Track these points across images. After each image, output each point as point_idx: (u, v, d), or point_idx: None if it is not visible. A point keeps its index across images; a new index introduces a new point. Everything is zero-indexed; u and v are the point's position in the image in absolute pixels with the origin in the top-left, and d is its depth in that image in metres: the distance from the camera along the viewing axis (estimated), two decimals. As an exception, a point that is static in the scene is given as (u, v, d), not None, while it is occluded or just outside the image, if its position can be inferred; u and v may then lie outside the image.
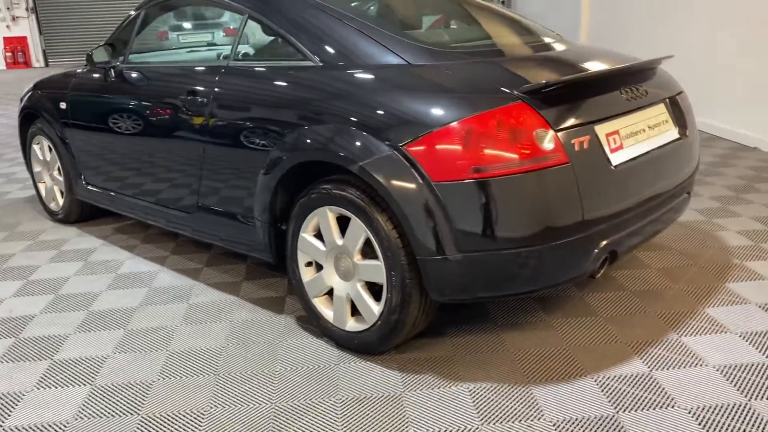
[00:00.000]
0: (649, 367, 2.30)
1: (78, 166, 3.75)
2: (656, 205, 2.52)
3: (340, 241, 2.40)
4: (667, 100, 2.69)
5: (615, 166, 2.28)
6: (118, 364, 2.47)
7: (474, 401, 2.16)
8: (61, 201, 4.07)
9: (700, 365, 2.30)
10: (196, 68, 2.96)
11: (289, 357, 2.47)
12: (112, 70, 3.39)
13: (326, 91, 2.40)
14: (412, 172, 2.11)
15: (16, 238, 3.92)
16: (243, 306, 2.90)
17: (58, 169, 4.00)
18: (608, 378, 2.25)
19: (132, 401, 2.24)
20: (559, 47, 2.81)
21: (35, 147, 4.14)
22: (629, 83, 2.48)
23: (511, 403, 2.15)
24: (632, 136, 2.42)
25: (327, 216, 2.41)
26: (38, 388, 2.34)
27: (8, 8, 16.47)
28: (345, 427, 2.06)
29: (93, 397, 2.27)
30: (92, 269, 3.39)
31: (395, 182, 2.14)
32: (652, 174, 2.47)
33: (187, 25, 4.40)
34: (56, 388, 2.34)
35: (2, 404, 2.25)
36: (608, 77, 2.39)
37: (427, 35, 2.71)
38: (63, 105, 3.71)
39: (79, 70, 3.78)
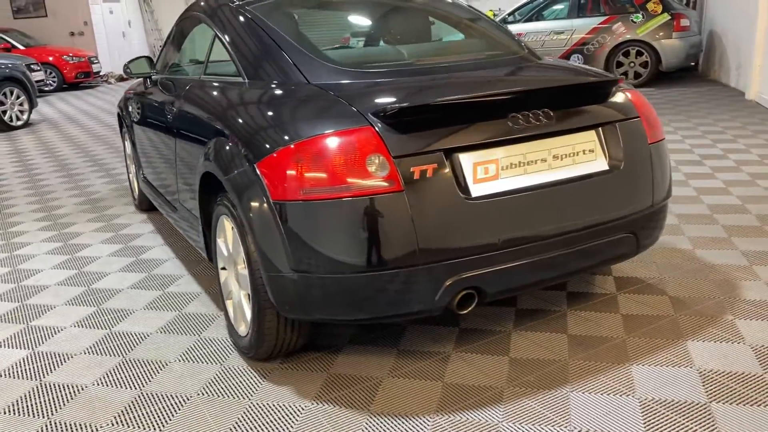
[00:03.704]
0: None
1: (138, 159, 4.31)
2: (559, 243, 2.28)
3: (231, 250, 2.54)
4: (601, 127, 2.39)
5: (475, 198, 2.12)
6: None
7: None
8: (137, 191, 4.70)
9: None
10: (183, 80, 3.28)
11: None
12: (149, 80, 3.86)
13: (231, 107, 2.54)
14: (258, 189, 2.18)
15: (101, 219, 4.61)
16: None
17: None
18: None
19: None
20: (490, 66, 2.62)
21: (126, 143, 4.81)
22: (531, 108, 2.26)
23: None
24: (519, 167, 2.22)
25: (224, 224, 2.56)
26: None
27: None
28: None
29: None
30: (124, 252, 3.89)
31: (245, 197, 2.23)
32: (551, 208, 2.24)
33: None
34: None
35: None
36: (489, 101, 2.20)
37: (344, 54, 2.72)
38: (130, 107, 4.28)
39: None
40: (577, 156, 2.33)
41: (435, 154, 2.09)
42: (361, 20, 3.21)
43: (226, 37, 2.85)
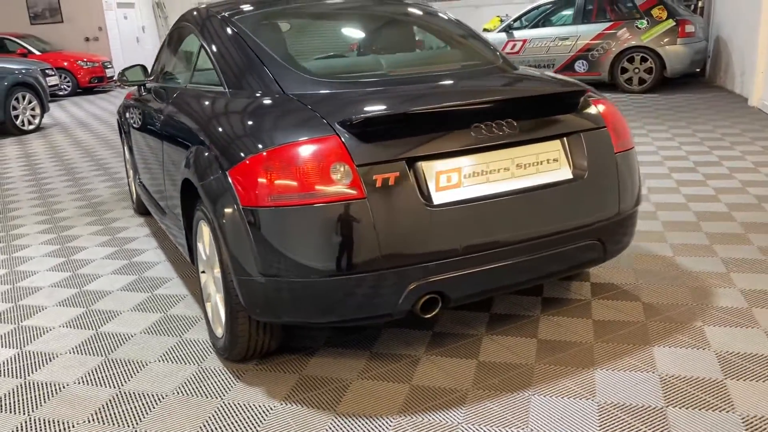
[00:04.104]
0: None
1: (135, 164, 4.41)
2: (523, 249, 2.34)
3: (209, 254, 2.62)
4: (566, 137, 2.45)
5: (437, 205, 2.19)
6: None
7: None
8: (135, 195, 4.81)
9: None
10: (171, 88, 3.37)
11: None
12: (143, 87, 3.97)
13: (209, 115, 2.63)
14: (229, 195, 2.26)
15: (100, 223, 4.72)
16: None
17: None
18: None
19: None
20: (462, 77, 2.68)
21: (125, 148, 4.92)
22: (494, 118, 2.32)
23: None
24: (482, 175, 2.29)
25: (202, 229, 2.65)
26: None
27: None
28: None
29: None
30: (118, 255, 3.99)
31: (217, 203, 2.32)
32: (513, 216, 2.30)
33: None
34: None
35: None
36: (452, 111, 2.26)
37: (320, 64, 2.80)
38: (127, 114, 4.39)
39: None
40: (540, 165, 2.39)
41: (397, 162, 2.16)
42: (342, 31, 3.28)
43: (210, 47, 2.94)
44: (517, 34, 10.46)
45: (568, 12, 10.26)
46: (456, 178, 2.25)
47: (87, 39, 17.78)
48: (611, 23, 9.73)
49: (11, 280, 3.71)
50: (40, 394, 2.50)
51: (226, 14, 3.03)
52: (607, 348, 2.57)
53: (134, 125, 4.10)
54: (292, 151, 2.15)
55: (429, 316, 2.29)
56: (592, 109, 2.56)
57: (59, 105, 13.40)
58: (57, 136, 9.24)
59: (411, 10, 3.31)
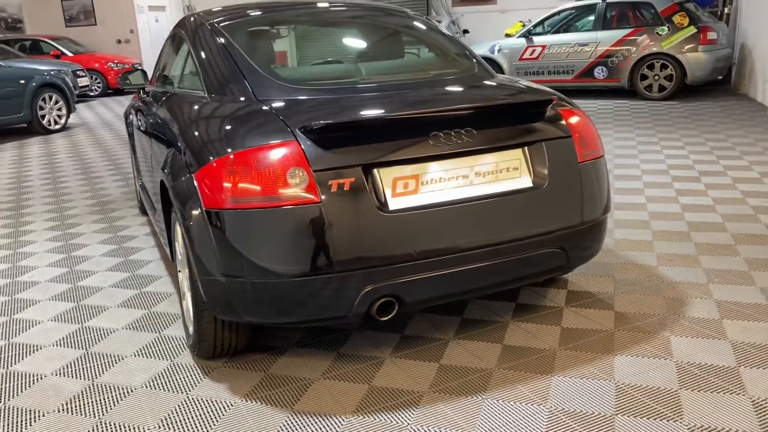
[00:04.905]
0: None
1: (138, 164, 4.55)
2: (480, 256, 2.37)
3: (183, 253, 2.71)
4: (527, 146, 2.48)
5: (392, 211, 2.24)
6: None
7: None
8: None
9: None
10: (163, 92, 3.48)
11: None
12: (142, 91, 4.10)
13: (185, 119, 2.72)
14: (194, 197, 2.35)
15: (105, 221, 4.87)
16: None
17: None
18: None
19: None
20: (432, 85, 2.72)
21: (131, 149, 5.07)
22: (454, 127, 2.36)
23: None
24: (440, 182, 2.33)
25: (177, 229, 2.74)
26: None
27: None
28: (115, 411, 2.38)
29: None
30: (116, 253, 4.12)
31: (184, 205, 2.40)
32: (471, 222, 2.34)
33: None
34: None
35: None
36: (410, 119, 2.31)
37: (293, 71, 2.87)
38: (130, 116, 4.53)
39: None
40: (500, 173, 2.42)
41: (353, 168, 2.22)
42: (324, 39, 3.35)
43: (195, 52, 3.04)
44: (536, 39, 10.43)
45: (590, 18, 10.20)
46: (413, 185, 2.30)
47: (119, 41, 18.20)
48: (632, 29, 9.64)
49: (12, 274, 3.86)
50: (17, 385, 2.61)
51: (214, 21, 3.12)
52: (569, 355, 2.59)
53: (135, 127, 4.23)
54: (252, 155, 2.23)
55: (386, 319, 2.34)
56: (558, 119, 2.58)
57: (88, 105, 13.75)
58: (81, 136, 9.51)
59: (394, 18, 3.37)
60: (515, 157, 2.45)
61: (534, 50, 10.41)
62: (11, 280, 3.77)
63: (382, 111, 2.36)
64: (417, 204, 2.29)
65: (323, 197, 2.18)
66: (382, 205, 2.25)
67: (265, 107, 2.45)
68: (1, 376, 2.68)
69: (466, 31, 15.01)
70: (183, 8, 20.45)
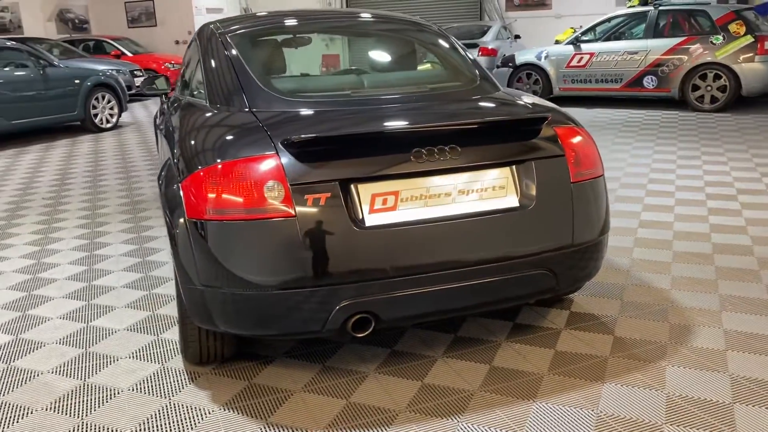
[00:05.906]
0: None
1: (162, 168, 4.66)
2: (461, 275, 2.33)
3: (177, 259, 2.76)
4: (516, 164, 2.41)
5: (369, 227, 2.22)
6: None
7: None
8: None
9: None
10: (177, 98, 3.56)
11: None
12: (165, 96, 4.20)
13: (183, 128, 2.76)
14: (180, 206, 2.38)
15: (133, 221, 5.01)
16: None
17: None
18: None
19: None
20: (426, 99, 2.68)
21: (161, 151, 5.21)
22: (437, 143, 2.32)
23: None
24: (420, 199, 2.30)
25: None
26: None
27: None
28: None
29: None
30: (135, 253, 4.23)
31: (172, 213, 2.44)
32: (451, 241, 2.29)
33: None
34: (0, 333, 3.15)
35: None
36: (390, 135, 2.29)
37: (288, 82, 2.87)
38: (156, 120, 4.65)
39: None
40: (485, 192, 2.37)
41: (330, 183, 2.21)
42: (334, 48, 3.36)
43: (203, 61, 3.09)
44: (584, 47, 10.19)
45: (641, 25, 9.91)
46: (392, 201, 2.27)
47: (177, 42, 18.71)
48: (684, 38, 9.32)
49: (34, 270, 4.01)
50: (14, 381, 2.71)
51: (225, 31, 3.16)
52: (556, 381, 2.51)
53: (157, 131, 4.34)
54: (232, 167, 2.24)
55: (362, 335, 2.32)
56: (552, 137, 2.50)
57: (143, 104, 14.18)
58: (130, 134, 9.81)
59: (400, 27, 3.34)
60: (502, 175, 2.40)
61: (582, 57, 10.17)
62: (32, 276, 3.91)
63: (366, 125, 2.35)
64: (394, 221, 2.26)
65: (298, 211, 2.18)
66: (358, 220, 2.23)
67: (253, 119, 2.46)
68: (1, 372, 2.79)
69: (517, 36, 14.79)
70: (240, 10, 20.87)
